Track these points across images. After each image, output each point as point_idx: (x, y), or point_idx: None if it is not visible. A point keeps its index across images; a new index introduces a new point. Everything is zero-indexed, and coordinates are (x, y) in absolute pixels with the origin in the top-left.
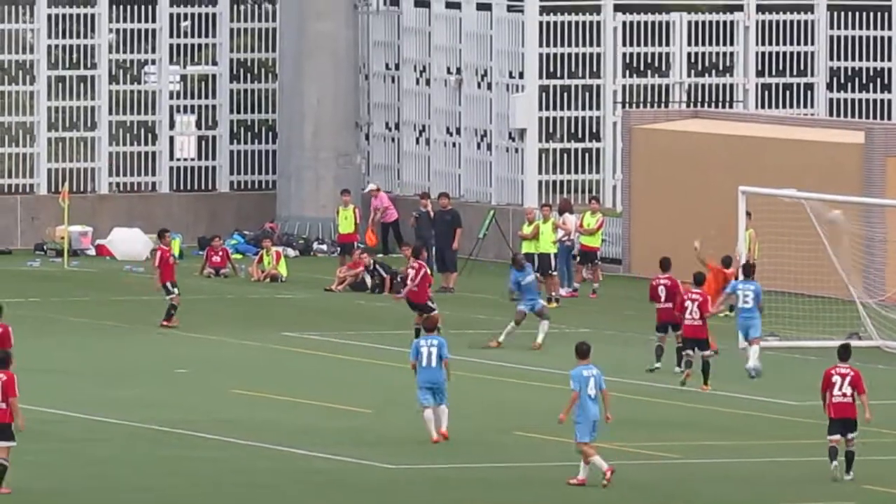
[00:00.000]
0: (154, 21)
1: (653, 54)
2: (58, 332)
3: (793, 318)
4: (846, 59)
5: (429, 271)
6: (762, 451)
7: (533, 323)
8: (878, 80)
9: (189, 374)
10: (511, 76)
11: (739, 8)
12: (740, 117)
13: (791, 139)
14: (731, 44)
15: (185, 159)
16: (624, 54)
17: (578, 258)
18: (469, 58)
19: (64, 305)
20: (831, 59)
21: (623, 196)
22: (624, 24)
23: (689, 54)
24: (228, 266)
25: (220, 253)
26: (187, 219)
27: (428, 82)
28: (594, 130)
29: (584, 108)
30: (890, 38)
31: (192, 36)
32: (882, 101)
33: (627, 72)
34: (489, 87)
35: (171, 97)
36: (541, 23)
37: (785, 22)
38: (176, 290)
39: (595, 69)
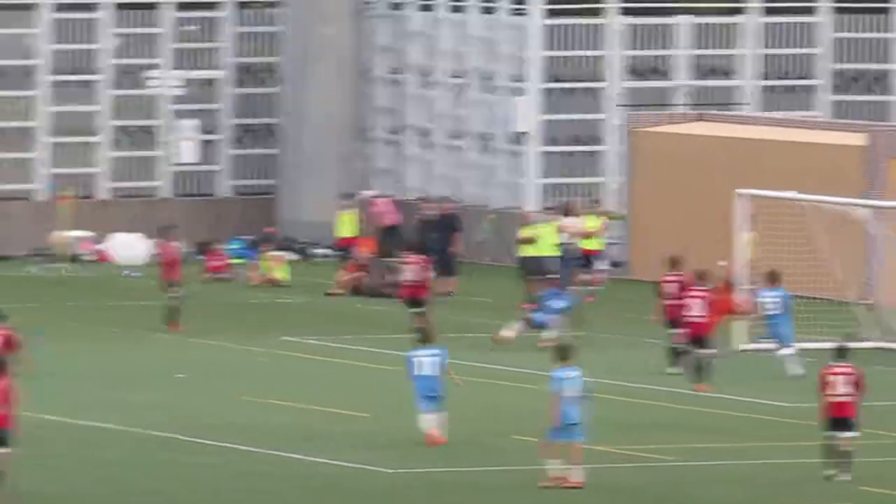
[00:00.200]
0: (156, 26)
1: (656, 57)
2: (58, 338)
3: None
4: (849, 61)
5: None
6: (757, 453)
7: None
8: (881, 82)
9: (189, 379)
10: (514, 80)
11: (743, 11)
12: (743, 120)
13: (793, 142)
14: (735, 46)
15: (187, 164)
16: (626, 57)
17: (580, 262)
18: (472, 61)
19: (64, 311)
20: (834, 61)
21: (624, 199)
22: (627, 27)
23: (692, 57)
24: (228, 270)
25: (220, 257)
26: (188, 223)
27: (431, 86)
28: (596, 133)
29: (586, 112)
30: (892, 41)
31: (195, 41)
32: (884, 103)
33: (630, 75)
34: (492, 90)
35: (172, 102)
36: (544, 26)
37: (788, 24)
38: (179, 291)
39: (598, 72)
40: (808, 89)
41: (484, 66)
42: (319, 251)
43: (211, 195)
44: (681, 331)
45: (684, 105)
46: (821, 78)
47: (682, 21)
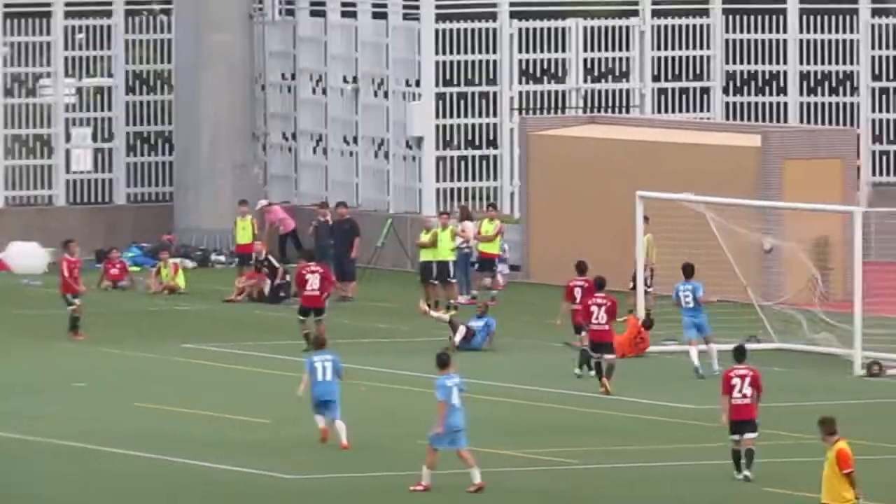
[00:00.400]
0: (48, 34)
1: (549, 60)
2: None
3: None
4: (742, 62)
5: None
6: (663, 455)
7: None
8: (774, 83)
9: (88, 388)
10: (408, 84)
11: (635, 13)
12: (637, 122)
13: (688, 143)
14: (628, 49)
15: (82, 172)
16: (520, 61)
17: (477, 265)
18: (365, 66)
19: None
20: (727, 62)
21: (521, 203)
22: (520, 30)
23: (585, 60)
24: (126, 278)
25: (118, 265)
26: (84, 232)
27: (324, 91)
28: (491, 137)
29: (481, 115)
30: (785, 42)
31: (88, 48)
32: (778, 104)
33: (524, 78)
34: (386, 95)
35: (66, 110)
36: (437, 30)
37: (681, 26)
38: (77, 301)
39: (492, 76)
40: (702, 91)
41: (377, 71)
42: (217, 257)
43: (107, 203)
44: (584, 336)
45: (577, 107)
46: (714, 79)
47: (574, 24)
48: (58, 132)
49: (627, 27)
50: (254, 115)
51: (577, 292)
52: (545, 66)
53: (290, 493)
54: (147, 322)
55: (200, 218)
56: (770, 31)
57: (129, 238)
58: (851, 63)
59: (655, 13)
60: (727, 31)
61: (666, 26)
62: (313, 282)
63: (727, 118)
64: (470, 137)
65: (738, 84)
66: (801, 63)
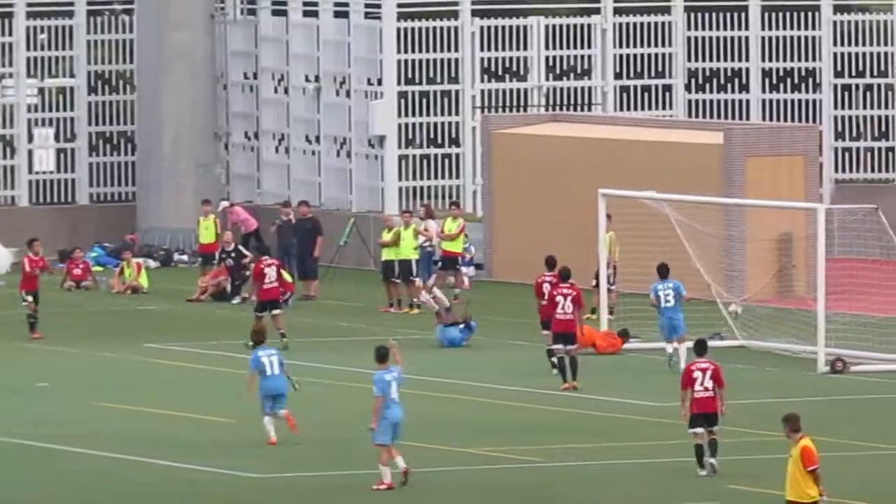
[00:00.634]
0: (10, 34)
1: (511, 59)
2: None
3: (656, 319)
4: (704, 60)
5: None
6: (627, 453)
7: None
8: (736, 80)
9: (51, 388)
10: (369, 83)
11: (597, 11)
12: (599, 120)
13: (650, 141)
14: (590, 47)
15: (44, 172)
16: (482, 59)
17: (440, 264)
18: (327, 65)
19: None
20: (689, 60)
21: (483, 201)
22: (482, 29)
23: (547, 58)
24: (90, 278)
25: (81, 265)
26: (47, 232)
27: (286, 91)
28: (454, 136)
29: (443, 114)
30: (747, 39)
31: (50, 49)
32: (740, 101)
33: (486, 77)
34: (348, 94)
35: (28, 110)
36: (398, 29)
37: (642, 24)
38: (30, 299)
39: (454, 74)
40: (664, 88)
41: (339, 70)
42: (180, 257)
43: (69, 203)
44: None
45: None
46: (676, 77)
47: (536, 22)
48: (20, 133)
49: (589, 25)
50: (216, 114)
51: (546, 288)
52: (507, 65)
53: (255, 492)
54: (110, 322)
55: (163, 218)
56: (732, 29)
57: (92, 238)
58: (813, 60)
59: (617, 11)
60: (689, 29)
61: (628, 24)
62: (271, 274)
63: (689, 116)
64: (432, 136)
65: (701, 81)
66: (764, 60)
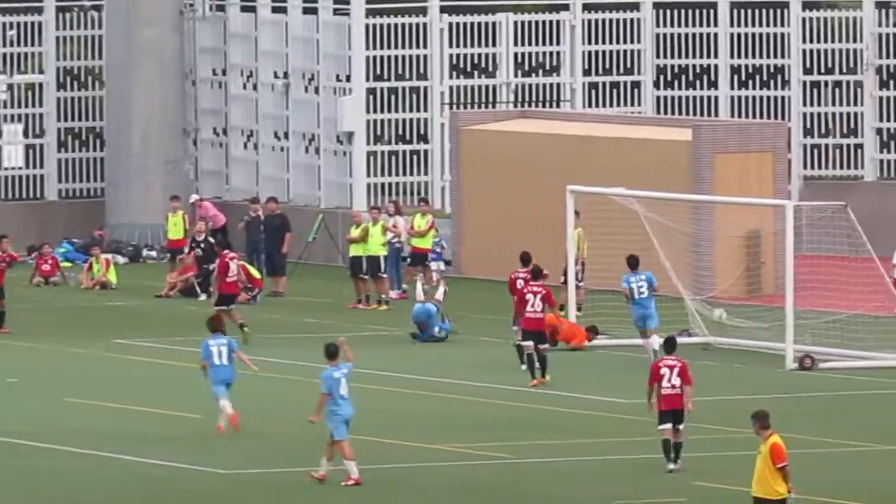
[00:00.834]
0: None
1: (480, 55)
2: None
3: (624, 316)
4: (672, 56)
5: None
6: (596, 450)
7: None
8: (705, 77)
9: (19, 384)
10: (338, 79)
11: (566, 7)
12: (567, 116)
13: (619, 137)
14: (559, 43)
15: (13, 168)
16: (451, 56)
17: (409, 260)
18: (296, 62)
19: None
20: (657, 56)
21: (452, 197)
22: (450, 25)
23: (516, 54)
24: (58, 274)
25: (50, 261)
26: (16, 227)
27: (255, 87)
28: (422, 132)
29: (412, 110)
30: (716, 35)
31: (18, 45)
32: (708, 97)
33: (454, 73)
34: (316, 90)
35: None
36: (367, 26)
37: (611, 21)
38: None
39: (422, 71)
40: (633, 85)
41: (308, 66)
42: (148, 253)
43: (38, 199)
44: (514, 329)
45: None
46: (644, 73)
47: (504, 19)
48: None
49: (558, 21)
50: (185, 110)
51: (520, 283)
52: (476, 61)
53: (223, 488)
54: (79, 318)
55: (132, 213)
56: (701, 25)
57: (61, 234)
58: (782, 57)
59: (586, 7)
60: (658, 26)
61: (596, 20)
62: (233, 267)
63: (658, 112)
64: (401, 132)
65: (669, 78)
66: (732, 57)
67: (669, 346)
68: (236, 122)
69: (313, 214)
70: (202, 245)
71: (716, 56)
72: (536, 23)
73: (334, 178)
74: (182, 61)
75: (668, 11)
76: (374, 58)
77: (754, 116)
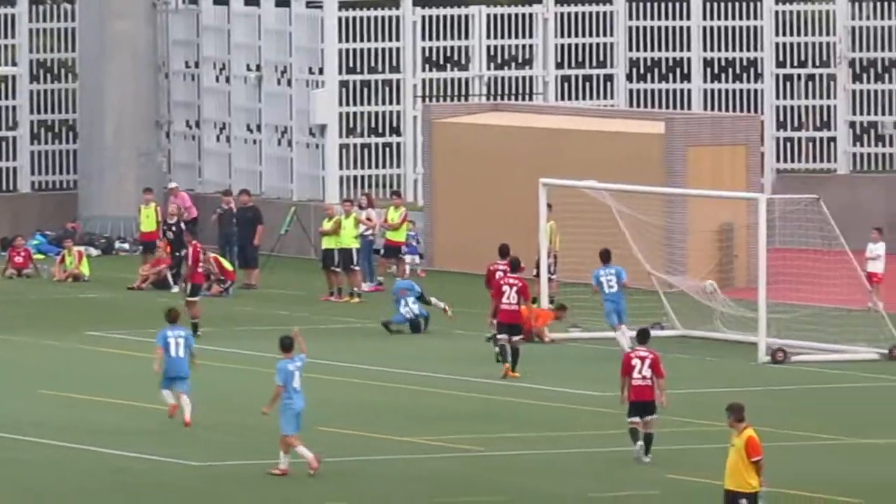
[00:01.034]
0: None
1: (452, 48)
2: None
3: (597, 309)
4: (645, 49)
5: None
6: (567, 442)
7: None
8: (678, 70)
9: None
10: (311, 72)
11: (538, 1)
12: (540, 109)
13: (592, 130)
14: (531, 36)
15: None
16: (423, 48)
17: (382, 252)
18: (269, 55)
19: None
20: (630, 49)
21: (424, 190)
22: (423, 18)
23: (488, 47)
24: (31, 266)
25: (23, 253)
26: None
27: (228, 80)
28: (395, 125)
29: (384, 103)
30: (689, 29)
31: None
32: (681, 90)
33: (427, 66)
34: (289, 83)
35: None
36: (340, 18)
37: (584, 14)
38: None
39: (395, 63)
40: (605, 78)
41: (280, 59)
42: (121, 245)
43: (11, 191)
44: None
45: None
46: (617, 66)
47: (477, 12)
48: None
49: (531, 14)
50: (157, 103)
51: (499, 275)
52: (448, 54)
53: (196, 480)
54: (51, 310)
55: (105, 206)
56: (673, 18)
57: (34, 226)
58: (755, 50)
59: (558, 0)
60: (630, 18)
61: (569, 14)
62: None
63: (631, 105)
64: (373, 125)
65: (642, 71)
66: (705, 50)
67: (642, 337)
68: (209, 114)
69: (286, 207)
70: (173, 228)
71: (689, 49)
72: (509, 16)
73: (307, 170)
74: (155, 54)
75: (641, 4)
76: (347, 50)
77: (727, 109)
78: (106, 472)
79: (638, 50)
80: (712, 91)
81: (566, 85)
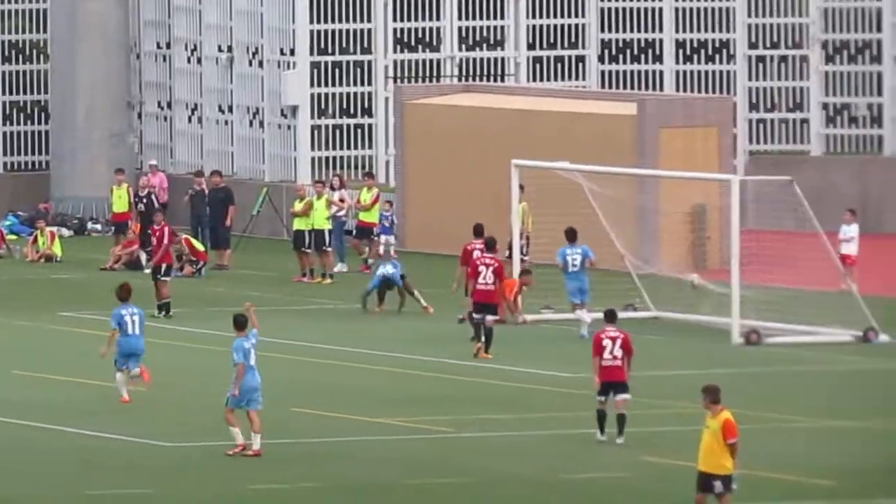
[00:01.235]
0: None
1: (424, 29)
2: None
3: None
4: (617, 31)
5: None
6: (538, 424)
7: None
8: (650, 51)
9: None
10: (282, 53)
11: None
12: (512, 90)
13: (564, 111)
14: (503, 17)
15: None
16: (395, 30)
17: (354, 233)
18: (240, 35)
19: None
20: (602, 30)
21: (396, 171)
22: None
23: (460, 28)
24: (3, 247)
25: None
26: None
27: (199, 61)
28: (366, 106)
29: (356, 84)
30: (661, 10)
31: None
32: (653, 72)
33: (398, 47)
34: (260, 64)
35: None
36: None
37: None
38: None
39: (366, 45)
40: (577, 59)
41: (252, 40)
42: (93, 226)
43: None
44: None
45: (452, 76)
46: (589, 48)
47: None
48: None
49: None
50: (129, 84)
51: (477, 255)
52: (420, 35)
53: (165, 460)
54: (24, 290)
55: (77, 186)
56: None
57: (6, 207)
58: (727, 31)
59: None
60: (603, 0)
61: None
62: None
63: (602, 86)
64: (345, 106)
65: (614, 52)
66: (677, 31)
67: (610, 317)
68: (180, 95)
69: (258, 188)
70: (144, 200)
71: (661, 30)
72: None
73: (278, 151)
74: (126, 35)
75: None
76: (318, 31)
77: (699, 91)
78: (78, 452)
79: (610, 31)
80: (684, 72)
81: (538, 66)
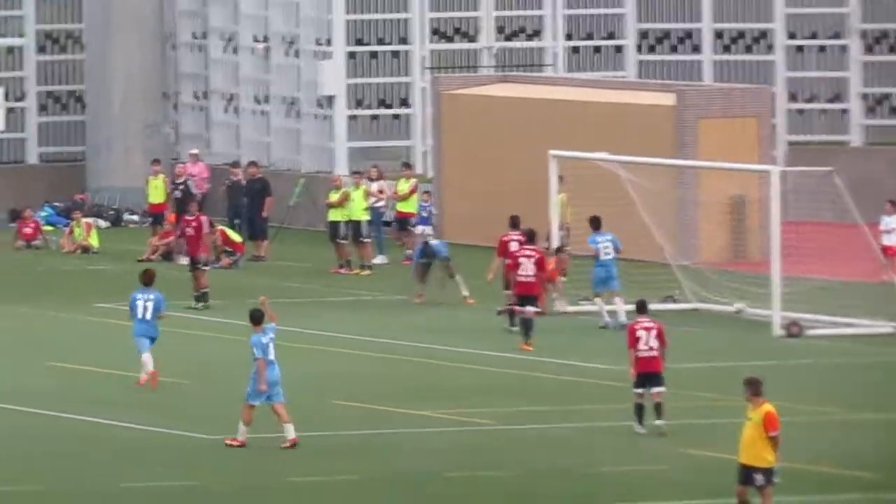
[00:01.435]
0: None
1: (461, 19)
2: None
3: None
4: (655, 20)
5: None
6: (577, 416)
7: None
8: (688, 41)
9: (1, 347)
10: (318, 43)
11: None
12: (549, 81)
13: (602, 102)
14: (540, 7)
15: None
16: (432, 20)
17: (394, 224)
18: (276, 25)
19: None
20: (640, 21)
21: (433, 162)
22: None
23: (497, 18)
24: (40, 238)
25: (32, 225)
26: None
27: (235, 51)
28: (403, 96)
29: (392, 75)
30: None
31: None
32: (692, 62)
33: (436, 37)
34: (297, 54)
35: None
36: None
37: None
38: None
39: (403, 35)
40: (615, 49)
41: (288, 30)
42: (130, 217)
43: (19, 163)
44: (505, 293)
45: (489, 66)
46: (627, 38)
47: None
48: None
49: None
50: (165, 74)
51: (514, 246)
52: (457, 25)
53: (201, 452)
54: (60, 281)
55: (113, 177)
56: None
57: (42, 198)
58: (767, 21)
59: None
60: None
61: None
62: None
63: (640, 77)
64: (382, 96)
65: (652, 42)
66: (716, 21)
67: (641, 307)
68: (216, 85)
69: (294, 178)
70: (181, 187)
71: (699, 20)
72: None
73: (315, 142)
74: (162, 25)
75: None
76: (355, 21)
77: (738, 81)
78: (114, 442)
79: (648, 21)
80: (723, 62)
81: (575, 56)
